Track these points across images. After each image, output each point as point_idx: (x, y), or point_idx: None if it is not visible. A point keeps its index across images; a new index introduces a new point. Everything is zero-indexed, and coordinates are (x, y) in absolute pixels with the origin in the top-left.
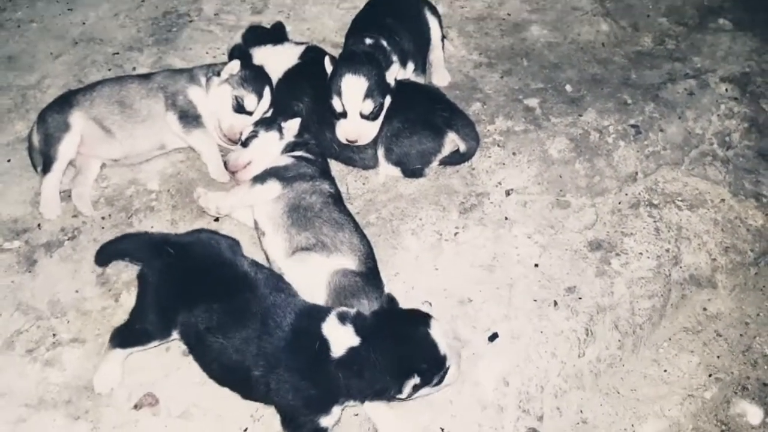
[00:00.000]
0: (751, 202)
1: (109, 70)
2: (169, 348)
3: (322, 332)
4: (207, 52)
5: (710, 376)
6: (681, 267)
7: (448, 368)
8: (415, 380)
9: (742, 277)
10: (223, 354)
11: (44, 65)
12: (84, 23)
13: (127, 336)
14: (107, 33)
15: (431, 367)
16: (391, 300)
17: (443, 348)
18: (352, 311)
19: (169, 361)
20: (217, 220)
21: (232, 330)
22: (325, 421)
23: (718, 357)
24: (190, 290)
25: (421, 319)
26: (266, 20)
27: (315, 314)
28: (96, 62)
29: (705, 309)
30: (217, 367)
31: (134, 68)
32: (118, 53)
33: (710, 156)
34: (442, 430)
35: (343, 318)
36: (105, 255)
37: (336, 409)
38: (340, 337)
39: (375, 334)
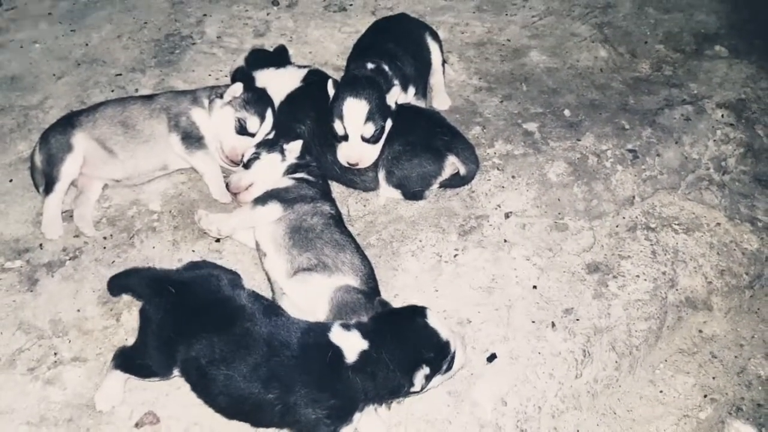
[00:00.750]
0: (747, 226)
1: (112, 91)
2: None
3: (332, 342)
4: (210, 75)
5: (705, 396)
6: (677, 289)
7: (453, 353)
8: (425, 371)
9: (737, 300)
10: (231, 385)
11: (47, 86)
12: (87, 44)
13: (129, 364)
14: (110, 54)
15: (437, 354)
16: (384, 304)
17: (444, 334)
18: (352, 321)
19: (170, 380)
20: (218, 241)
21: (236, 359)
22: (345, 431)
23: (713, 378)
24: (190, 327)
25: (417, 311)
26: (269, 43)
27: (319, 329)
28: (99, 83)
29: (701, 331)
30: (224, 399)
31: (137, 90)
32: (120, 74)
33: (706, 180)
34: None
35: (346, 326)
36: (113, 288)
37: (357, 416)
38: (351, 343)
39: (379, 335)
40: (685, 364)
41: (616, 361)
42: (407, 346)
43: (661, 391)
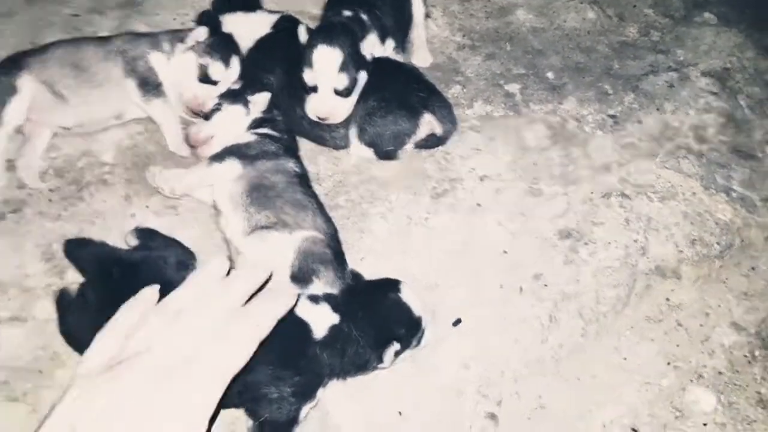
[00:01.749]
0: (722, 197)
1: (67, 33)
2: None
3: (298, 316)
4: (175, 18)
5: (668, 364)
6: (648, 257)
7: (424, 330)
8: (395, 347)
9: (707, 269)
10: None
11: None
12: None
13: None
14: None
15: (408, 331)
16: (356, 276)
17: (417, 310)
18: (321, 294)
19: None
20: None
21: None
22: (306, 408)
23: (677, 346)
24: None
25: (391, 285)
26: None
27: None
28: (53, 24)
29: (668, 299)
30: None
31: (95, 32)
32: (78, 15)
33: (685, 149)
34: (401, 414)
35: (315, 299)
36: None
37: (320, 392)
38: (320, 317)
39: (350, 309)
40: (650, 331)
41: (583, 328)
42: (379, 321)
43: (625, 358)
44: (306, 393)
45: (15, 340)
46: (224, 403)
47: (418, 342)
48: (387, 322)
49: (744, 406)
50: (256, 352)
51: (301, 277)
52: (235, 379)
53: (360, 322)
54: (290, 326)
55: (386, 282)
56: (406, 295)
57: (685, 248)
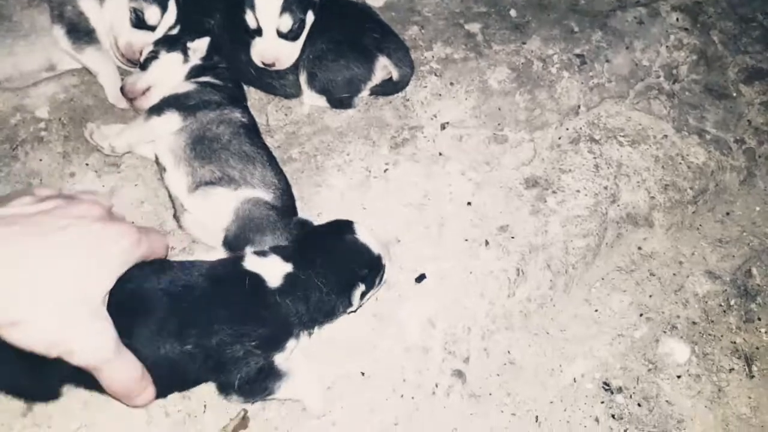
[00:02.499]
0: (694, 139)
1: None
2: None
3: (247, 269)
4: None
5: (641, 315)
6: (618, 205)
7: (384, 266)
8: (361, 289)
9: (680, 216)
10: (139, 356)
11: None
12: None
13: None
14: None
15: (371, 270)
16: (303, 223)
17: (376, 248)
18: (267, 247)
19: None
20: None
21: (133, 326)
22: (279, 359)
23: (650, 296)
24: None
25: (345, 226)
26: None
27: (228, 261)
28: None
29: (640, 248)
30: None
31: None
32: None
33: (656, 89)
34: (363, 374)
35: (262, 253)
36: None
37: (291, 344)
38: (271, 267)
39: (304, 257)
40: (622, 282)
41: (551, 280)
42: (339, 265)
43: (596, 310)
44: (273, 343)
45: None
46: (193, 379)
47: (381, 280)
48: (348, 265)
49: (719, 357)
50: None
51: (234, 244)
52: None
53: (319, 269)
54: (240, 281)
55: (339, 224)
56: (362, 234)
57: (657, 194)
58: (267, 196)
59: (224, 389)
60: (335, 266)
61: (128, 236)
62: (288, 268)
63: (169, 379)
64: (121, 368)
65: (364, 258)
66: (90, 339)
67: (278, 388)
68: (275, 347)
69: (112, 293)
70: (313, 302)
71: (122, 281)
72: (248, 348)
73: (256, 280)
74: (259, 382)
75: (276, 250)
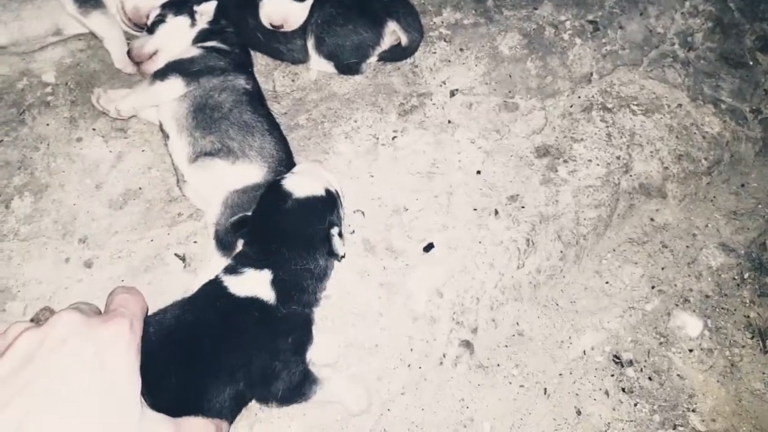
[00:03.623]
0: (709, 108)
1: None
2: (69, 259)
3: (241, 297)
4: None
5: (653, 288)
6: (631, 175)
7: (338, 192)
8: (336, 232)
9: (694, 187)
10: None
11: None
12: None
13: None
14: None
15: (331, 209)
16: (237, 223)
17: (319, 189)
18: (231, 260)
19: (69, 272)
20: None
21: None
22: (310, 352)
23: (662, 269)
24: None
25: (276, 197)
26: None
27: (210, 291)
28: None
29: (652, 219)
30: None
31: None
32: None
33: (670, 57)
34: (370, 343)
35: (233, 271)
36: None
37: (314, 330)
38: (254, 284)
39: (271, 254)
40: (633, 254)
41: (562, 251)
42: (305, 236)
43: (607, 282)
44: (304, 343)
45: None
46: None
47: (342, 203)
48: (310, 228)
49: (732, 331)
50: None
51: (225, 244)
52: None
53: (292, 256)
54: (241, 310)
55: (268, 199)
56: (296, 187)
57: (670, 165)
58: (261, 172)
59: (264, 400)
60: (302, 241)
61: (121, 334)
62: (267, 275)
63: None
64: None
65: (316, 208)
66: None
67: (314, 393)
68: (307, 344)
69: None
70: (310, 284)
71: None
72: (287, 360)
73: (257, 303)
74: (298, 389)
75: (242, 261)
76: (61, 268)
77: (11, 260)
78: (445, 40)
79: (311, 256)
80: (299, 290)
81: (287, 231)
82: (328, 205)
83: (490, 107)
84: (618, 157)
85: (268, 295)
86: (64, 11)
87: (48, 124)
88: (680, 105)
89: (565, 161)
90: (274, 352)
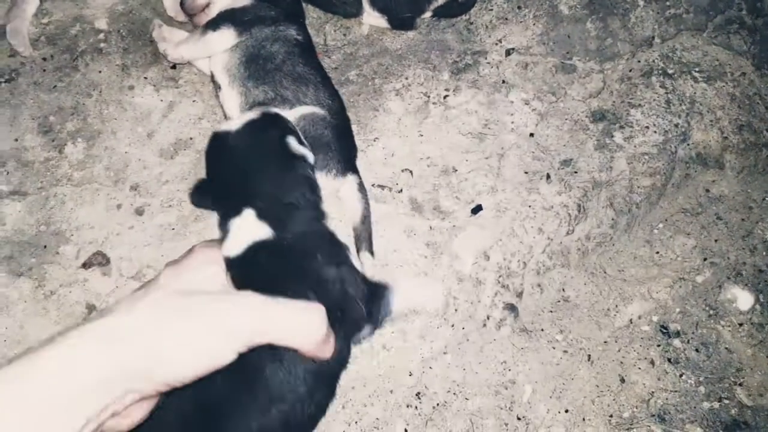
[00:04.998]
0: None
1: None
2: (121, 205)
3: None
4: None
5: (705, 260)
6: (689, 144)
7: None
8: (289, 139)
9: (753, 159)
10: None
11: None
12: None
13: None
14: None
15: (275, 124)
16: (198, 189)
17: (255, 114)
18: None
19: (121, 219)
20: (174, 67)
21: None
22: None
23: (715, 241)
24: None
25: (215, 140)
26: None
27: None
28: None
29: (708, 190)
30: None
31: None
32: None
33: (737, 23)
34: (416, 311)
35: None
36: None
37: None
38: (248, 233)
39: (246, 194)
40: (686, 225)
41: (613, 219)
42: (261, 158)
43: (657, 252)
44: (338, 253)
45: (16, 215)
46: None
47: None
48: (262, 146)
49: None
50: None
51: None
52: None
53: (257, 175)
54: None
55: (212, 146)
56: (232, 123)
57: (730, 134)
58: (322, 112)
59: (354, 331)
60: (260, 160)
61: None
62: (250, 214)
63: None
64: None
65: (260, 127)
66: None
67: (390, 302)
68: (344, 250)
69: None
70: (295, 197)
71: None
72: (341, 276)
73: (260, 246)
74: (375, 301)
75: (223, 222)
76: (112, 214)
77: (64, 204)
78: None
79: (278, 170)
80: (288, 209)
81: (244, 161)
82: (270, 121)
83: (547, 68)
84: (676, 125)
85: (263, 230)
86: None
87: (100, 71)
88: (744, 74)
89: (621, 127)
90: (316, 279)
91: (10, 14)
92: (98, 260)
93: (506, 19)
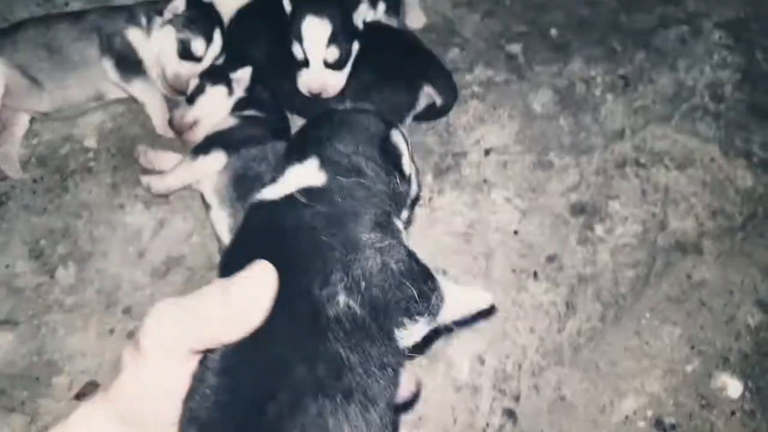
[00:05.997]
0: (741, 162)
1: (38, 5)
2: (113, 330)
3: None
4: None
5: (693, 348)
6: (667, 232)
7: None
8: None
9: (729, 243)
10: None
11: None
12: None
13: None
14: None
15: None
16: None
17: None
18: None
19: (114, 344)
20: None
21: None
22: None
23: (701, 328)
24: None
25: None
26: None
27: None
28: None
29: (689, 277)
30: None
31: (66, 4)
32: None
33: (701, 110)
34: (415, 416)
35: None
36: None
37: None
38: (303, 178)
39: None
40: (672, 312)
41: (601, 312)
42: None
43: (647, 343)
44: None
45: (8, 346)
46: None
47: None
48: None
49: None
50: None
51: None
52: None
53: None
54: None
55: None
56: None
57: (705, 221)
58: None
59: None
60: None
61: None
62: (313, 162)
63: None
64: None
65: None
66: None
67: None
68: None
69: None
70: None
71: None
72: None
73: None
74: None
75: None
76: (105, 340)
77: (56, 332)
78: (477, 98)
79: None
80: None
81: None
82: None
83: (525, 165)
84: (653, 215)
85: (317, 178)
86: (106, 78)
87: (90, 191)
88: (712, 159)
89: (601, 219)
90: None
91: (0, 138)
92: (91, 390)
93: (483, 119)
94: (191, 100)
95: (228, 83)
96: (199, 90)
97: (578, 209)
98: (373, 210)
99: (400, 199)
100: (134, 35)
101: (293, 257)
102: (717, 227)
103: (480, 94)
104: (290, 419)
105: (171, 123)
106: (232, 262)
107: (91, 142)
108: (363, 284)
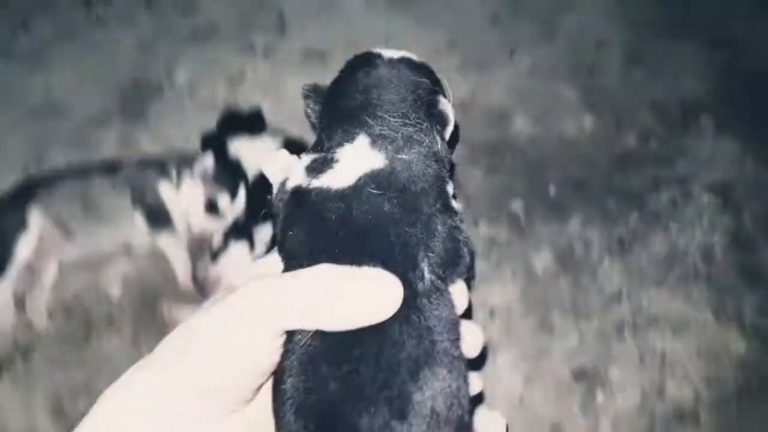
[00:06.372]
0: (734, 327)
1: (72, 147)
2: None
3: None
4: (179, 129)
5: None
6: (665, 400)
7: None
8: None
9: (725, 411)
10: None
11: None
12: (46, 90)
13: None
14: (70, 103)
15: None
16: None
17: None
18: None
19: None
20: None
21: None
22: None
23: None
24: None
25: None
26: (242, 98)
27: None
28: (57, 138)
29: None
30: None
31: (99, 146)
32: (82, 127)
33: (693, 274)
34: None
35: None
36: None
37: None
38: (359, 161)
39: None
40: None
41: None
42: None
43: None
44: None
45: None
46: None
47: None
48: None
49: None
50: None
51: None
52: None
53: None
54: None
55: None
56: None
57: (701, 389)
58: None
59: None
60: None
61: None
62: (363, 140)
63: None
64: None
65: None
66: None
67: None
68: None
69: None
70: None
71: None
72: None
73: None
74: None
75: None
76: None
77: None
78: (482, 257)
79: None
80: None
81: (376, 85)
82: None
83: (528, 328)
84: (652, 381)
85: (375, 159)
86: (135, 230)
87: (111, 343)
88: (706, 323)
89: (601, 385)
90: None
91: (30, 286)
92: None
93: (487, 279)
94: (215, 256)
95: (250, 240)
96: (223, 247)
97: (580, 374)
98: (435, 185)
99: (450, 170)
100: (165, 189)
101: (380, 252)
102: (712, 396)
103: (484, 252)
104: (418, 387)
105: (194, 279)
106: (294, 253)
107: (114, 290)
108: (438, 261)
